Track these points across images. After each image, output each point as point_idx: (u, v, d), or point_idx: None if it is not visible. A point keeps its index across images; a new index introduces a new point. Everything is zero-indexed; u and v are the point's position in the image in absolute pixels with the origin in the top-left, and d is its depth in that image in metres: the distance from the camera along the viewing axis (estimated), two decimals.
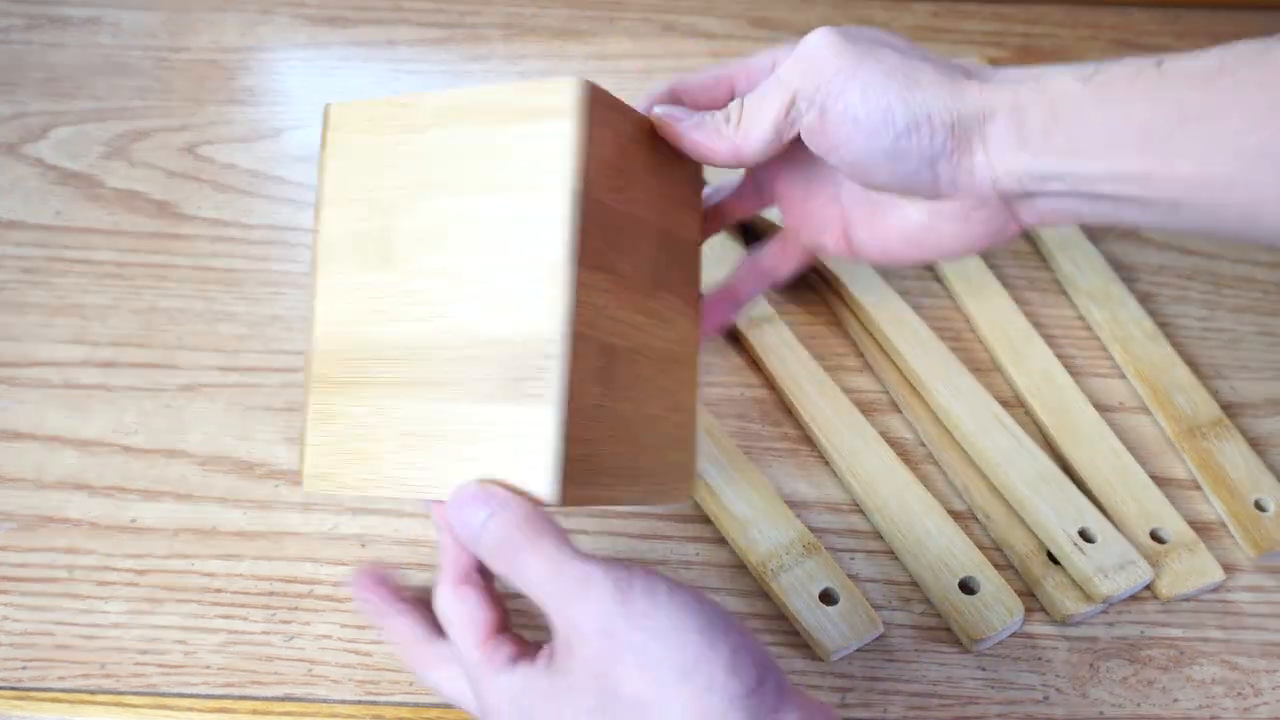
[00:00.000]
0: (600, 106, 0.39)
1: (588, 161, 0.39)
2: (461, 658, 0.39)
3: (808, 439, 0.55)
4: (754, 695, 0.34)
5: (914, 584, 0.50)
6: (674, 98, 0.46)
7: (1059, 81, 0.40)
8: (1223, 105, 0.37)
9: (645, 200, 0.42)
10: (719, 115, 0.43)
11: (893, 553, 0.51)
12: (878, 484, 0.52)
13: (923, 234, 0.44)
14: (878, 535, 0.52)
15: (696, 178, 0.46)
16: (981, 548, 0.51)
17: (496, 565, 0.37)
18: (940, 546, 0.50)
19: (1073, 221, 0.43)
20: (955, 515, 0.52)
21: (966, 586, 0.49)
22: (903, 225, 0.44)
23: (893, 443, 0.55)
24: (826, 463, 0.54)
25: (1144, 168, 0.39)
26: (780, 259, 0.50)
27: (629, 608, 0.35)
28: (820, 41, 0.42)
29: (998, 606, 0.49)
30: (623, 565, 0.36)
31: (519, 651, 0.38)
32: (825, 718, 0.36)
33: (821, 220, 0.47)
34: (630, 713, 0.34)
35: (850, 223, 0.46)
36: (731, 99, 0.45)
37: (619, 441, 0.40)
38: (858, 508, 0.53)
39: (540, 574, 0.36)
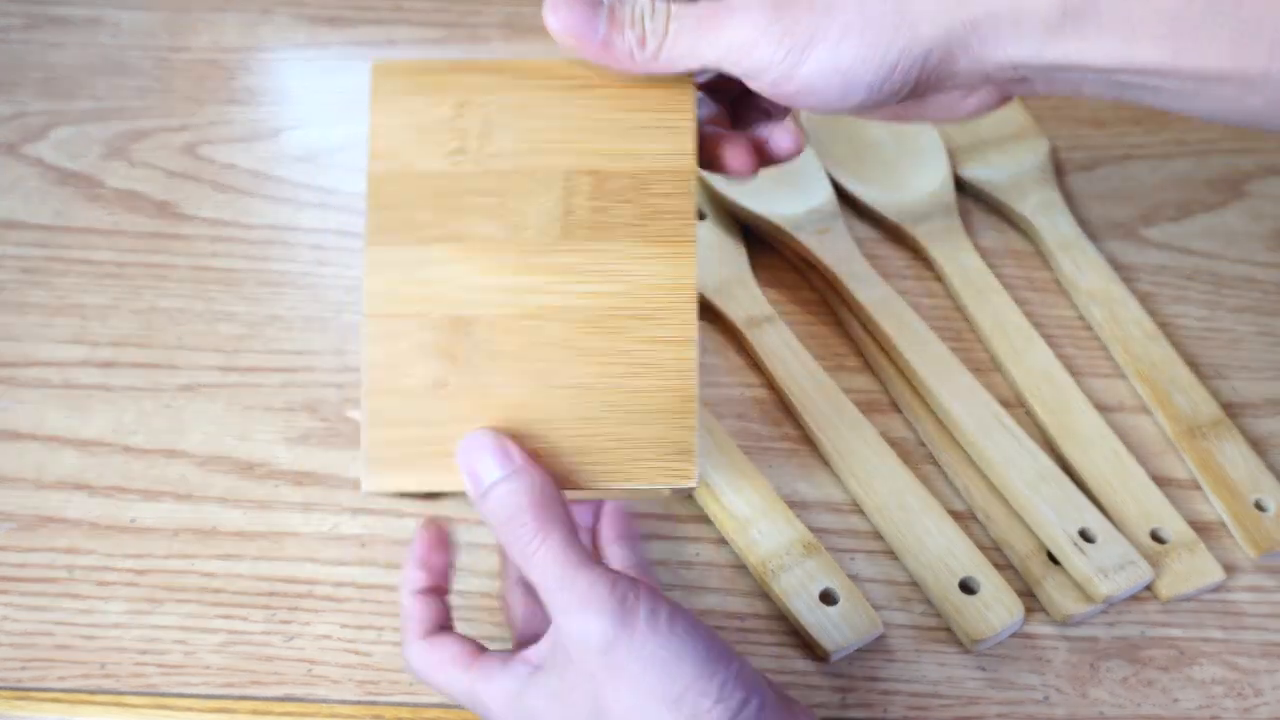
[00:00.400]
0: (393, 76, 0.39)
1: (380, 137, 0.38)
2: (451, 688, 0.40)
3: (808, 439, 0.55)
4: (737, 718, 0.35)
5: (914, 584, 0.50)
6: None
7: None
8: None
9: (522, 150, 0.39)
10: (629, 33, 0.37)
11: (893, 553, 0.51)
12: (878, 484, 0.52)
13: (897, 113, 0.39)
14: (878, 535, 0.52)
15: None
16: (981, 548, 0.51)
17: (498, 534, 0.37)
18: (940, 546, 0.50)
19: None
20: (955, 515, 0.52)
21: (966, 586, 0.49)
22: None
23: (893, 443, 0.55)
24: (826, 463, 0.54)
25: (1167, 60, 0.34)
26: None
27: (631, 632, 0.35)
28: None
29: (998, 606, 0.48)
30: (628, 581, 0.36)
31: (477, 650, 0.39)
32: None
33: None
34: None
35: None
36: None
37: (487, 419, 0.38)
38: (858, 508, 0.53)
39: (546, 571, 0.36)
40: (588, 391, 0.38)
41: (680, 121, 0.38)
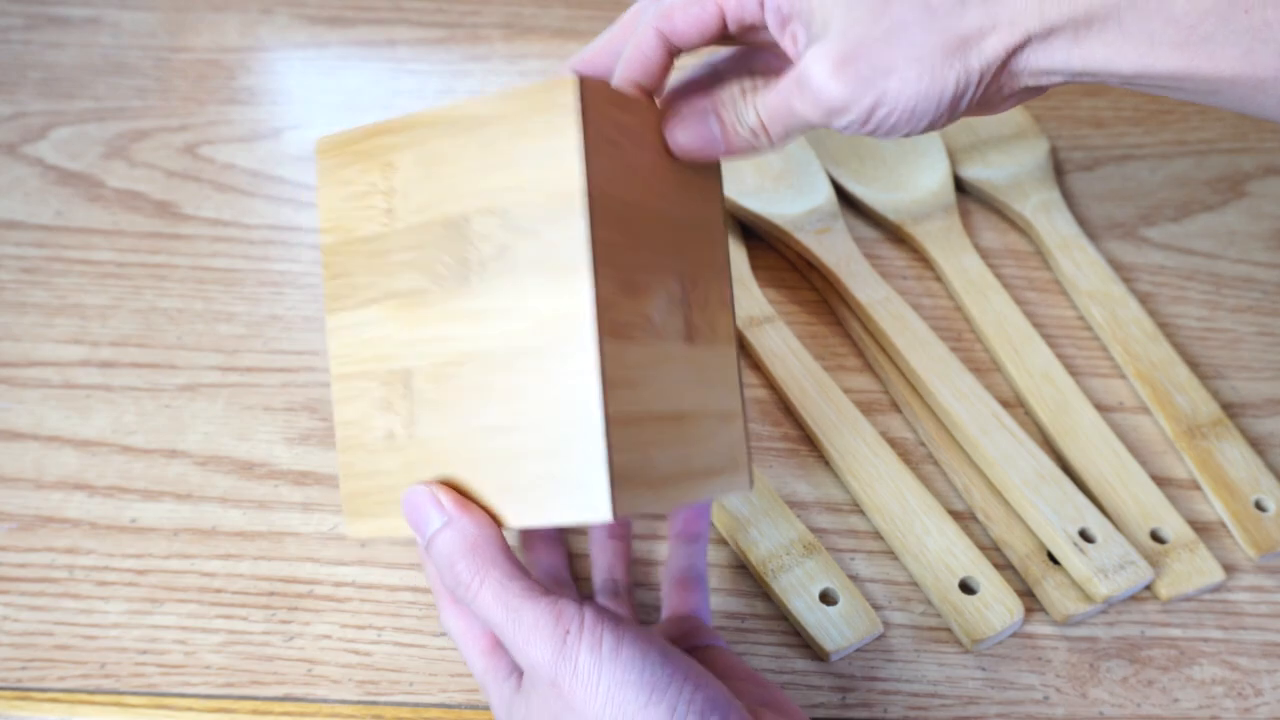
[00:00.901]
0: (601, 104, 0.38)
1: (325, 211, 0.39)
2: (471, 667, 0.41)
3: (808, 439, 0.55)
4: None
5: (914, 584, 0.50)
6: (664, 44, 0.40)
7: None
8: None
9: (433, 200, 0.40)
10: (741, 131, 0.40)
11: (893, 553, 0.51)
12: (878, 484, 0.52)
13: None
14: (878, 535, 0.52)
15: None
16: (981, 548, 0.51)
17: (444, 579, 0.38)
18: (940, 546, 0.50)
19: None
20: (955, 515, 0.52)
21: (966, 586, 0.49)
22: None
23: (893, 443, 0.55)
24: (826, 463, 0.54)
25: (1183, 66, 0.36)
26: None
27: (573, 664, 0.35)
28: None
29: (998, 606, 0.49)
30: (573, 610, 0.36)
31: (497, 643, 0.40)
32: None
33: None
34: None
35: None
36: (723, 25, 0.40)
37: (428, 468, 0.39)
38: (858, 508, 0.53)
39: (491, 612, 0.37)
40: (505, 433, 0.38)
41: (561, 144, 0.37)
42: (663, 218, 0.40)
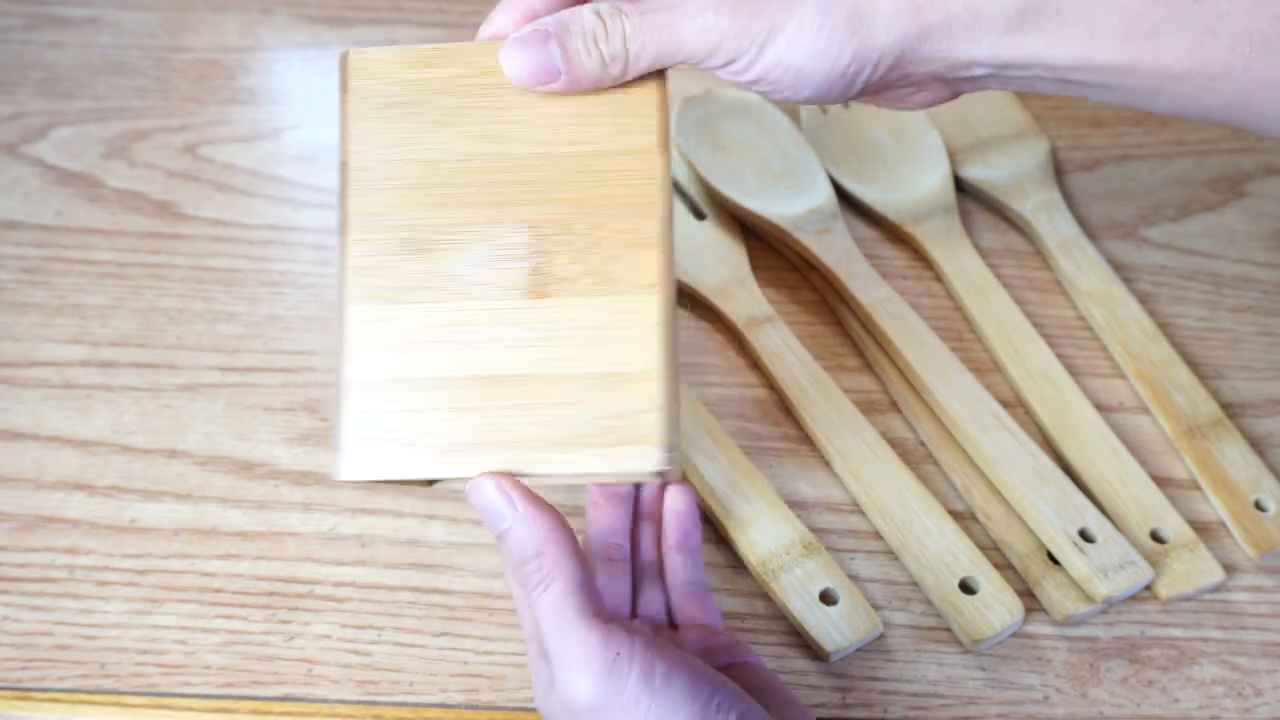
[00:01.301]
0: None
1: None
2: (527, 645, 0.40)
3: (808, 439, 0.55)
4: None
5: (914, 584, 0.50)
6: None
7: None
8: None
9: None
10: (586, 61, 0.37)
11: (893, 553, 0.51)
12: (878, 484, 0.52)
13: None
14: (878, 535, 0.52)
15: None
16: (982, 548, 0.51)
17: (511, 575, 0.37)
18: (940, 546, 0.50)
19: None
20: (955, 515, 0.52)
21: (966, 586, 0.49)
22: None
23: (893, 443, 0.55)
24: (826, 463, 0.54)
25: (1127, 58, 0.35)
26: None
27: (621, 691, 0.35)
28: None
29: (998, 606, 0.49)
30: (623, 637, 0.36)
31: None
32: None
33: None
34: None
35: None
36: None
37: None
38: (858, 508, 0.53)
39: (544, 618, 0.36)
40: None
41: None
42: (507, 166, 0.38)
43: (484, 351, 0.38)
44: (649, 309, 0.37)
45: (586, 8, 0.37)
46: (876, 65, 0.36)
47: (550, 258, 0.38)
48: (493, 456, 0.37)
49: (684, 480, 0.46)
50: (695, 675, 0.36)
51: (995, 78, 0.37)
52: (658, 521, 0.48)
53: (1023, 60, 0.36)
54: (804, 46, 0.35)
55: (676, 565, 0.46)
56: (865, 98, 0.38)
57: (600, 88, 0.38)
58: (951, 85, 0.38)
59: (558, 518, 0.37)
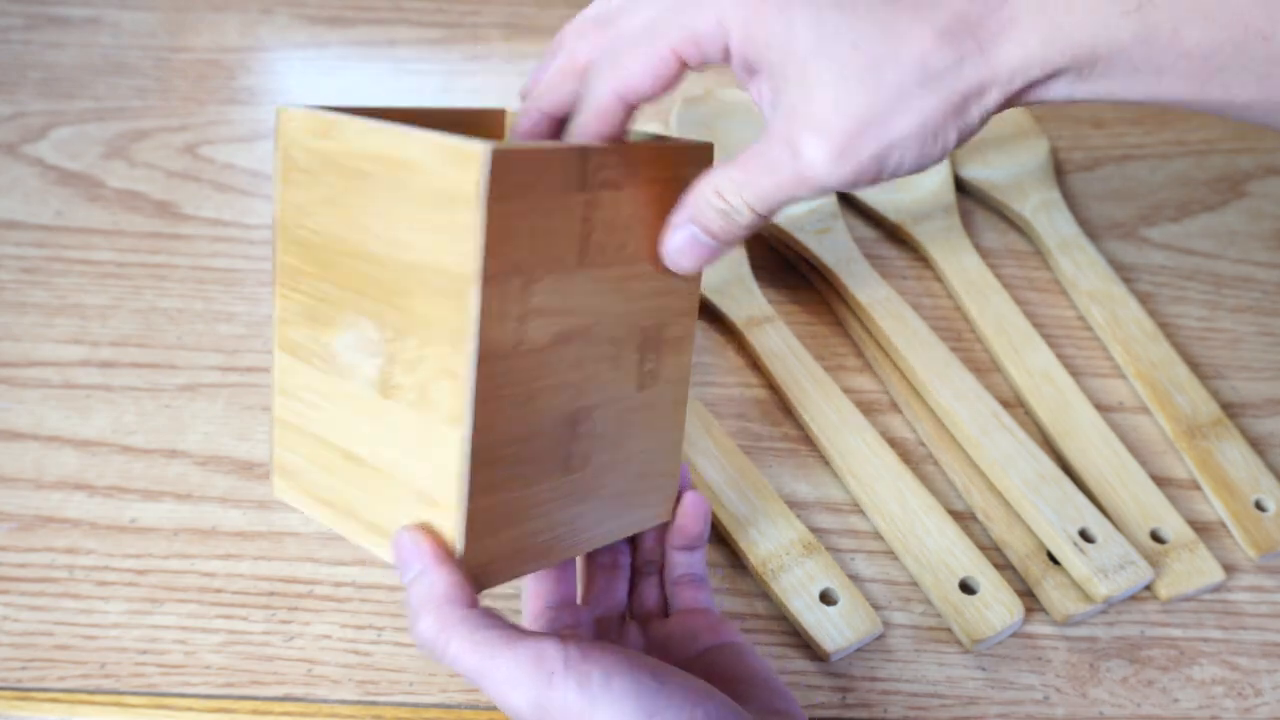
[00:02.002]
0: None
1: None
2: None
3: (808, 439, 0.55)
4: None
5: (914, 584, 0.50)
6: (624, 106, 0.38)
7: (1090, 24, 0.35)
8: None
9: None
10: (715, 218, 0.38)
11: (893, 553, 0.51)
12: (878, 484, 0.52)
13: None
14: (878, 535, 0.52)
15: None
16: (982, 548, 0.51)
17: (418, 626, 0.36)
18: (940, 546, 0.50)
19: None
20: (955, 515, 0.52)
21: (966, 586, 0.49)
22: None
23: (893, 443, 0.55)
24: (826, 463, 0.54)
25: (1194, 95, 0.36)
26: None
27: (564, 704, 0.34)
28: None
29: (997, 606, 0.49)
30: (555, 647, 0.35)
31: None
32: None
33: None
34: None
35: None
36: (681, 72, 0.37)
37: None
38: (858, 508, 0.53)
39: (462, 662, 0.35)
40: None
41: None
42: (368, 259, 0.37)
43: (349, 430, 0.39)
44: (451, 444, 0.36)
45: (704, 183, 0.38)
46: (978, 130, 0.37)
47: (392, 362, 0.37)
48: (349, 526, 0.40)
49: (695, 489, 0.45)
50: (637, 673, 0.35)
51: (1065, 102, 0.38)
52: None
53: (1091, 98, 0.37)
54: (914, 157, 0.36)
55: (678, 562, 0.46)
56: None
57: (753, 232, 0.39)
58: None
59: (453, 569, 0.37)
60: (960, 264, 0.60)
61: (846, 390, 0.56)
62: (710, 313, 0.59)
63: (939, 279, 0.61)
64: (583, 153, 0.36)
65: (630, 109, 0.38)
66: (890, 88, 0.35)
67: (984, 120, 0.37)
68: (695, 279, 0.41)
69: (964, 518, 0.53)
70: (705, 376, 0.57)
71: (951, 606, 0.49)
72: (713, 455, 0.53)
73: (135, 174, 0.65)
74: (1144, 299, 0.60)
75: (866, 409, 0.56)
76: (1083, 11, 0.35)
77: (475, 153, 0.33)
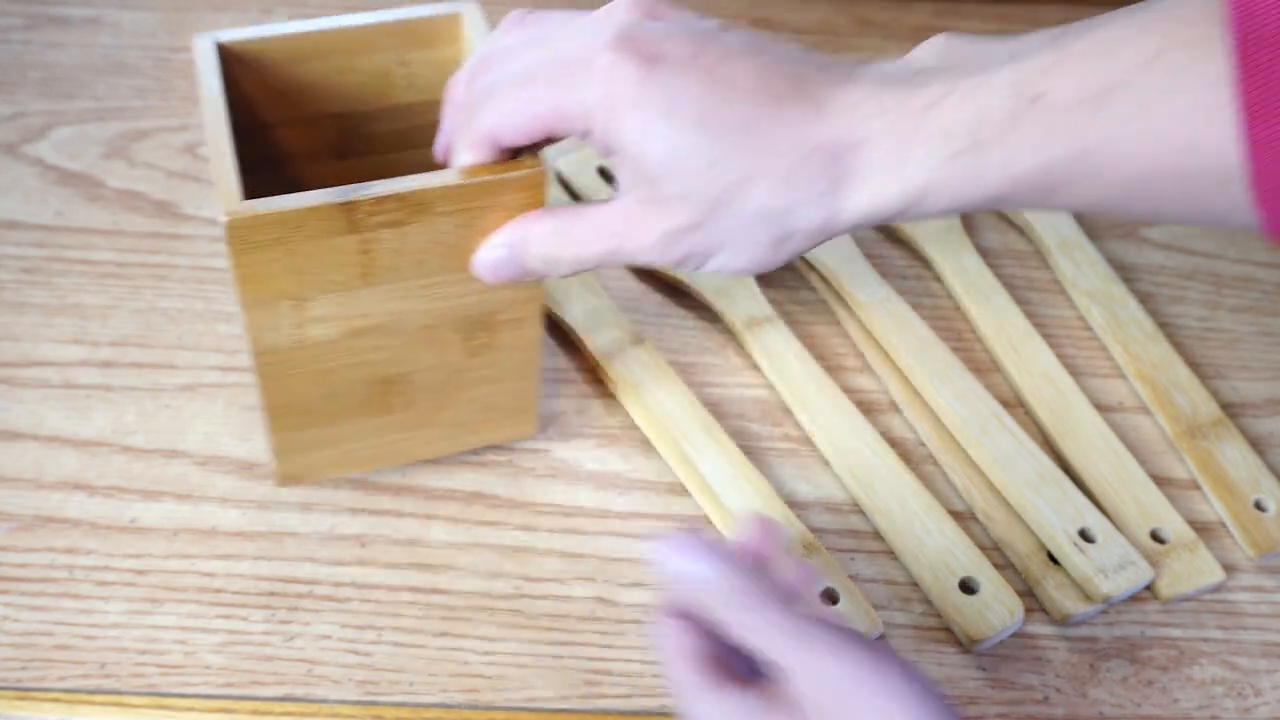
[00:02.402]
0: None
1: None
2: (676, 680, 0.38)
3: (808, 439, 0.55)
4: None
5: (914, 584, 0.50)
6: (493, 149, 0.42)
7: (926, 169, 0.37)
8: (1113, 137, 0.35)
9: None
10: (526, 250, 0.43)
11: (893, 553, 0.51)
12: (878, 484, 0.52)
13: None
14: (878, 535, 0.52)
15: None
16: (981, 548, 0.51)
17: (725, 615, 0.37)
18: (940, 546, 0.50)
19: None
20: (955, 515, 0.52)
21: (966, 586, 0.49)
22: None
23: (893, 443, 0.55)
24: (826, 463, 0.54)
25: (1024, 205, 0.38)
26: None
27: (871, 679, 0.35)
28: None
29: (998, 606, 0.49)
30: (859, 638, 0.36)
31: (732, 678, 0.38)
32: None
33: None
34: None
35: None
36: (548, 137, 0.41)
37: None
38: (858, 508, 0.53)
39: (778, 631, 0.36)
40: None
41: None
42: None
43: None
44: None
45: (539, 217, 0.43)
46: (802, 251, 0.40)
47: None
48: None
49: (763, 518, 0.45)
50: (924, 687, 0.36)
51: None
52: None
53: (909, 219, 0.40)
54: (737, 266, 0.41)
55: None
56: None
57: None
58: None
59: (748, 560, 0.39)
60: (960, 264, 0.60)
61: (846, 390, 0.56)
62: (710, 313, 0.59)
63: (939, 279, 0.61)
64: (347, 206, 0.40)
65: (501, 150, 0.41)
66: (731, 217, 0.39)
67: (808, 245, 0.40)
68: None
69: (964, 518, 0.53)
70: (705, 376, 0.57)
71: (951, 606, 0.49)
72: (713, 455, 0.53)
73: (135, 174, 0.65)
74: (1144, 299, 0.60)
75: (866, 409, 0.56)
76: (920, 156, 0.37)
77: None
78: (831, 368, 0.57)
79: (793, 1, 0.76)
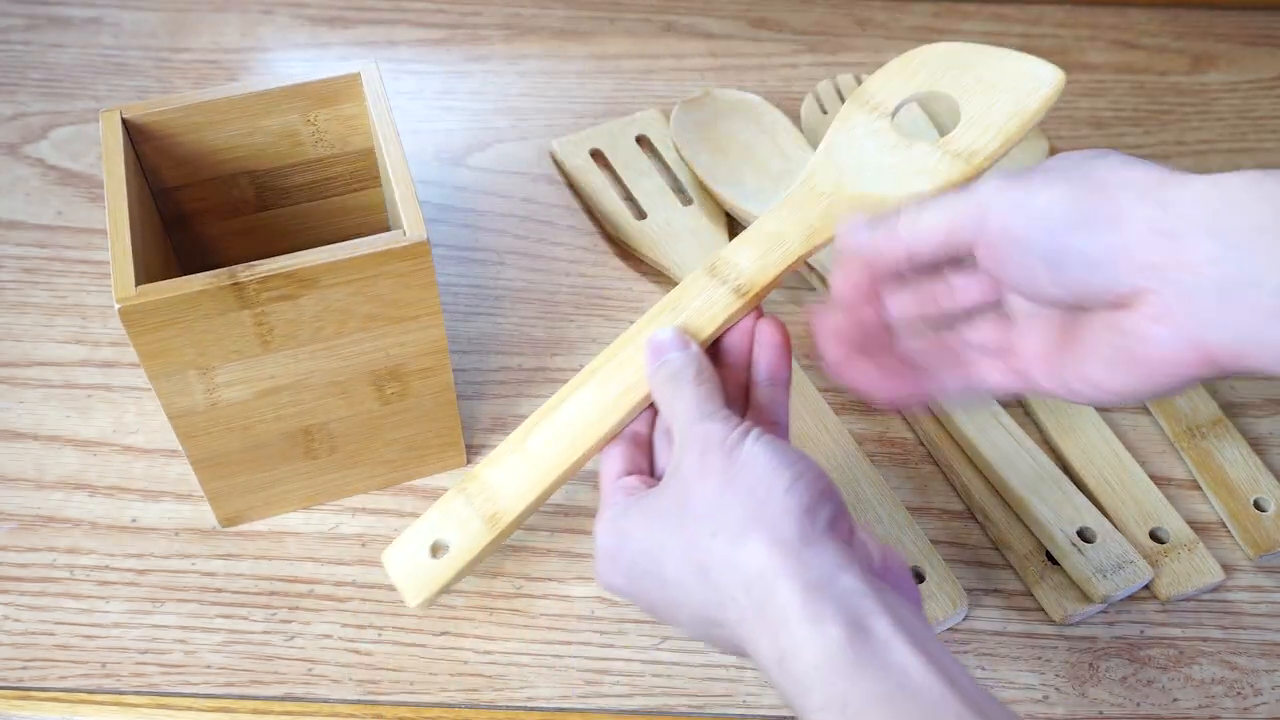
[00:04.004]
0: None
1: None
2: (603, 484, 0.44)
3: None
4: (808, 512, 0.37)
5: None
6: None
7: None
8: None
9: None
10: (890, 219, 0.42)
11: None
12: (835, 473, 0.52)
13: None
14: None
15: None
16: (980, 548, 0.51)
17: (660, 392, 0.43)
18: (889, 535, 0.50)
19: None
20: (955, 515, 0.52)
21: (913, 575, 0.49)
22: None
23: (893, 443, 0.55)
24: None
25: None
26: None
27: (746, 441, 0.39)
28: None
29: (941, 597, 0.49)
30: (742, 427, 0.40)
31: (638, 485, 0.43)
32: (889, 572, 0.38)
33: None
34: (700, 518, 0.38)
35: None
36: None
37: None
38: None
39: (685, 408, 0.41)
40: None
41: None
42: None
43: None
44: None
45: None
46: (1115, 227, 0.38)
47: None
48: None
49: (775, 317, 0.47)
50: (784, 451, 0.39)
51: None
52: (743, 367, 0.47)
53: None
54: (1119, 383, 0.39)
55: (761, 395, 0.46)
56: None
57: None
58: None
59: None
60: None
61: (846, 390, 0.56)
62: None
63: None
64: (236, 286, 0.42)
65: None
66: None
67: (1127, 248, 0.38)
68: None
69: (963, 517, 0.53)
70: None
71: None
72: None
73: None
74: None
75: (866, 409, 0.56)
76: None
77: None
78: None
79: (793, 2, 0.76)
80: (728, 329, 0.45)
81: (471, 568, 0.45)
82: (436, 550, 0.45)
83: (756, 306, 0.46)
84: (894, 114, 0.50)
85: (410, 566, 0.45)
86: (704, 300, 0.45)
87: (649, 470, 0.45)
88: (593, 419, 0.45)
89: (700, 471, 0.39)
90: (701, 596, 0.38)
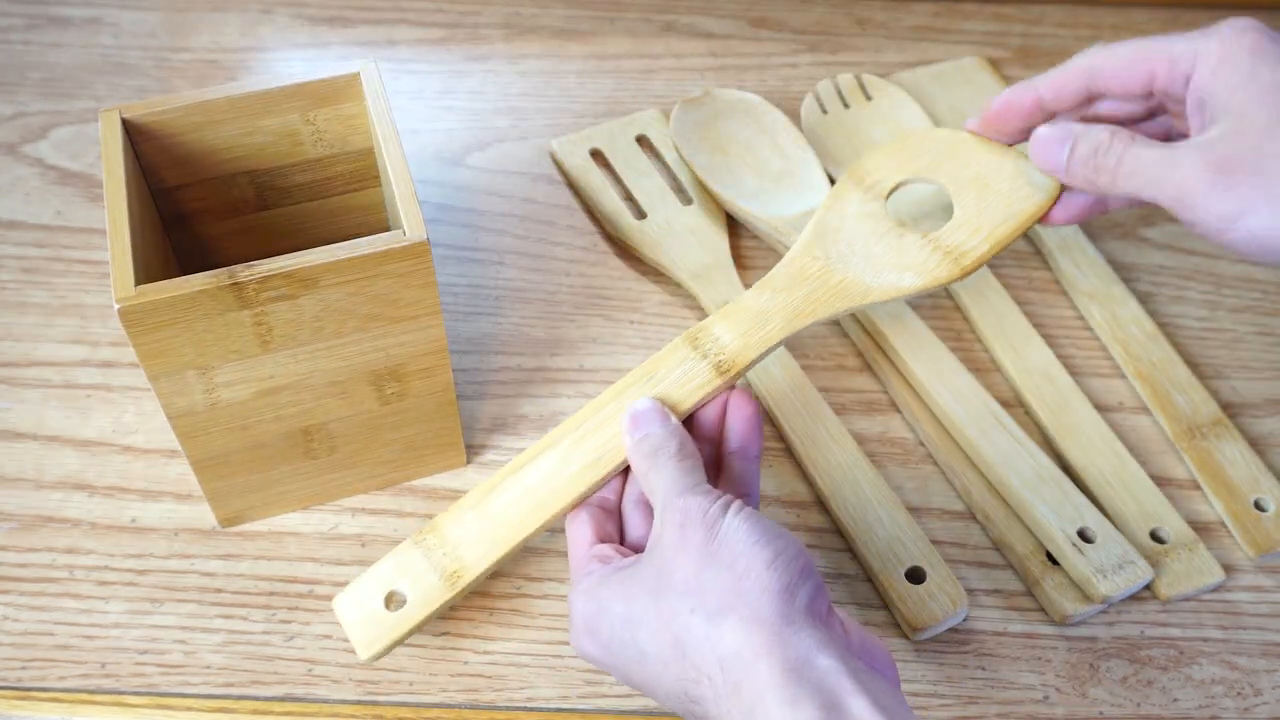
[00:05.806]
0: None
1: None
2: (572, 559, 0.44)
3: (768, 415, 0.55)
4: (787, 591, 0.37)
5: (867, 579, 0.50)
6: (1091, 79, 0.48)
7: None
8: None
9: None
10: (1083, 168, 0.47)
11: (849, 549, 0.51)
12: (835, 473, 0.52)
13: None
14: (835, 531, 0.52)
15: None
16: (980, 548, 0.51)
17: (641, 465, 0.43)
18: (889, 535, 0.50)
19: None
20: (955, 515, 0.52)
21: (913, 575, 0.49)
22: None
23: (893, 442, 0.55)
24: (790, 451, 0.54)
25: None
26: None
27: (729, 516, 0.39)
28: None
29: (941, 597, 0.49)
30: (723, 501, 0.40)
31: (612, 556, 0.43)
32: (865, 654, 0.38)
33: None
34: (680, 593, 0.39)
35: None
36: (1147, 91, 0.47)
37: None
38: (817, 505, 0.52)
39: (665, 483, 0.42)
40: None
41: None
42: None
43: None
44: None
45: (1103, 126, 0.46)
46: None
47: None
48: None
49: (747, 390, 0.48)
50: (766, 528, 0.39)
51: None
52: (715, 439, 0.48)
53: None
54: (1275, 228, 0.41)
55: (738, 471, 0.47)
56: None
57: (1087, 191, 0.48)
58: None
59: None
60: None
61: (846, 390, 0.56)
62: (687, 296, 0.59)
63: None
64: (235, 286, 0.42)
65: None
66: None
67: None
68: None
69: (963, 517, 0.53)
70: None
71: (895, 595, 0.49)
72: None
73: None
74: (1143, 299, 0.60)
75: (866, 409, 0.56)
76: None
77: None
78: (831, 368, 0.57)
79: (793, 1, 0.76)
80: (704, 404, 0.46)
81: (427, 622, 0.45)
82: (391, 601, 0.45)
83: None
84: (888, 196, 0.51)
85: (362, 616, 0.45)
86: (683, 372, 0.46)
87: (619, 538, 0.45)
88: (560, 484, 0.46)
89: (680, 545, 0.39)
90: (677, 671, 0.38)
